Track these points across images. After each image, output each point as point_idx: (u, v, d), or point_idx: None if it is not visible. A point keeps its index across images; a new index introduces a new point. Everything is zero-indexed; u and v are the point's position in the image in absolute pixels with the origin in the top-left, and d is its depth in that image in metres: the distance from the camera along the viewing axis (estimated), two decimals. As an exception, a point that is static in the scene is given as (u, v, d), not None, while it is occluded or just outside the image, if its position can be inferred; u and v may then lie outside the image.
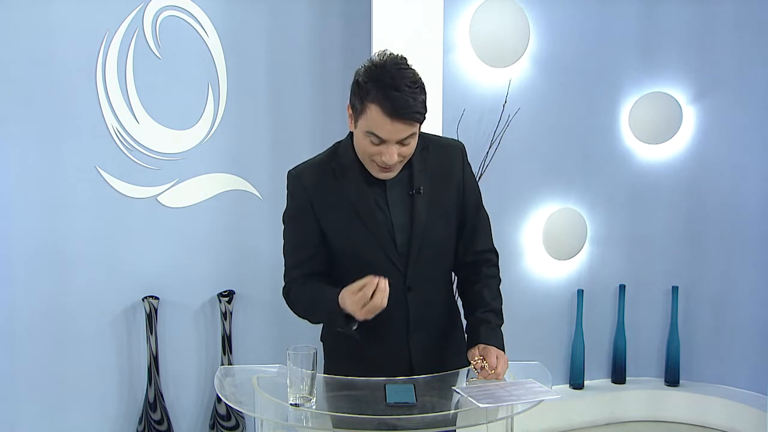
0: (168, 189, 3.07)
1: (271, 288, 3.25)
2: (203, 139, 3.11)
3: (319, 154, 1.96)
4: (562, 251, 3.72)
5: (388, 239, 1.87)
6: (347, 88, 1.98)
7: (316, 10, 3.19)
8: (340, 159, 1.89)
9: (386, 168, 1.81)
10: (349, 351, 1.94)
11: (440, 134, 3.04)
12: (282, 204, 1.96)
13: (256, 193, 3.20)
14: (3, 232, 2.87)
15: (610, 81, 3.74)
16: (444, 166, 1.94)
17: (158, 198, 3.06)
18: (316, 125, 3.21)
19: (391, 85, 1.71)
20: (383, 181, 1.87)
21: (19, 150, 2.86)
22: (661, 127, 3.73)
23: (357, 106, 1.78)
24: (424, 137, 1.93)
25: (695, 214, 3.80)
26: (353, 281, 1.80)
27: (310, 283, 1.93)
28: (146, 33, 2.98)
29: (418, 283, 1.91)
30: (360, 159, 1.85)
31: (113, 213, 3.00)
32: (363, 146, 1.80)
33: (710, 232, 3.79)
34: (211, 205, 3.15)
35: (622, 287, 3.82)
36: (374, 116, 1.73)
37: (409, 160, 1.87)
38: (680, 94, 3.74)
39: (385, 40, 2.99)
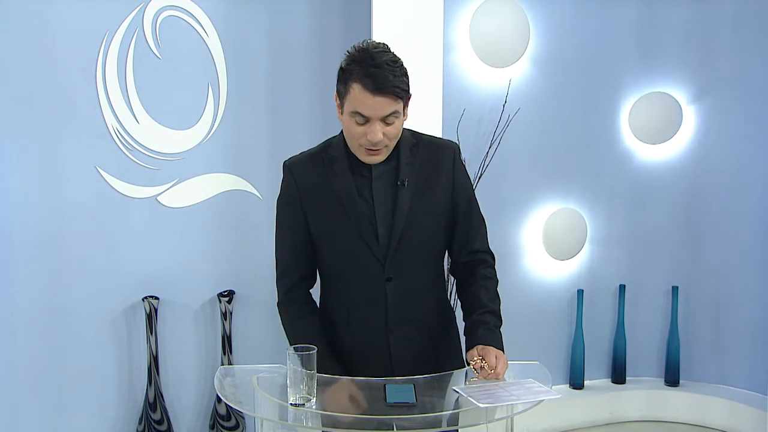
0: (168, 189, 3.07)
1: (271, 288, 3.21)
2: (203, 139, 3.11)
3: (314, 147, 2.01)
4: (562, 251, 3.72)
5: (368, 229, 1.89)
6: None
7: (316, 10, 3.19)
8: (331, 151, 1.94)
9: (373, 150, 1.83)
10: (330, 349, 1.94)
11: (440, 134, 3.05)
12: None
13: (256, 193, 3.20)
14: (3, 231, 2.87)
15: (610, 81, 3.74)
16: (433, 164, 1.96)
17: (158, 198, 3.06)
18: (316, 125, 3.21)
19: (371, 64, 1.77)
20: (369, 173, 1.90)
21: (19, 150, 2.86)
22: (661, 127, 3.73)
23: (342, 91, 1.83)
24: (416, 135, 1.98)
25: (695, 214, 3.80)
26: (333, 270, 1.96)
27: (308, 316, 2.00)
28: (146, 33, 2.98)
29: (398, 275, 1.91)
30: (349, 147, 1.88)
31: (113, 213, 3.00)
32: (349, 129, 1.84)
33: (710, 232, 3.79)
34: (211, 205, 3.14)
35: (622, 287, 3.82)
36: (357, 94, 1.78)
37: (398, 154, 1.90)
38: (680, 94, 3.74)
39: (385, 41, 2.98)
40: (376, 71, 1.76)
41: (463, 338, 2.01)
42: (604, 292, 3.84)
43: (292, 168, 1.97)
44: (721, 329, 3.80)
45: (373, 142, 1.80)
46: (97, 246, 2.99)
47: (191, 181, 3.10)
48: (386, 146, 1.85)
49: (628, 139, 3.79)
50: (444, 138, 2.09)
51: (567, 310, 3.80)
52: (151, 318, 3.03)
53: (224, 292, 3.16)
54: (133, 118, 2.99)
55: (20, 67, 2.83)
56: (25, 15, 2.81)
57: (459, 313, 2.10)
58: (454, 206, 1.97)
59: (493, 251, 2.07)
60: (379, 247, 1.90)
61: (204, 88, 3.09)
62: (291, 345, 1.91)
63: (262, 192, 3.20)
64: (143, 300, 3.04)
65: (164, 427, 3.08)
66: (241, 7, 3.10)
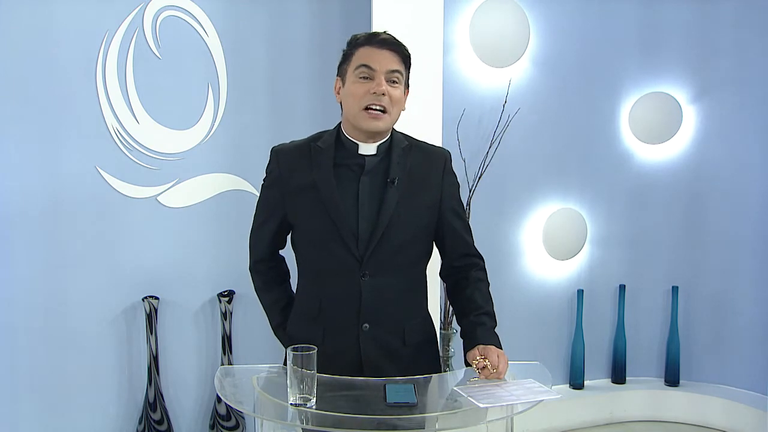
0: (168, 189, 3.07)
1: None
2: (203, 139, 3.11)
3: (305, 138, 2.05)
4: (562, 251, 3.72)
5: (348, 224, 1.89)
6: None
7: (316, 10, 3.19)
8: (320, 142, 1.98)
9: (376, 109, 1.86)
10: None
11: (440, 134, 3.05)
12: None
13: (256, 194, 3.19)
14: (3, 232, 2.87)
15: (610, 81, 3.74)
16: (423, 168, 1.97)
17: (158, 198, 3.06)
18: (315, 125, 3.16)
19: (376, 33, 1.93)
20: (358, 167, 1.92)
21: (19, 150, 2.86)
22: (661, 127, 3.74)
23: (344, 65, 1.92)
24: (409, 138, 2.01)
25: (695, 214, 3.80)
26: (308, 260, 1.98)
27: (275, 287, 2.15)
28: (146, 33, 2.98)
29: (375, 273, 1.90)
30: (352, 118, 1.90)
31: (113, 213, 2.99)
32: (354, 91, 1.88)
33: (710, 232, 3.79)
34: (211, 205, 3.14)
35: (622, 287, 3.82)
36: (362, 52, 1.88)
37: (390, 152, 1.93)
38: (680, 94, 3.74)
39: (385, 40, 2.99)
40: (381, 34, 1.91)
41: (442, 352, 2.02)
42: (604, 292, 3.84)
43: (279, 153, 2.03)
44: (721, 329, 3.80)
45: (379, 92, 1.84)
46: (97, 246, 2.99)
47: (191, 181, 3.10)
48: (387, 113, 1.88)
49: (628, 139, 3.79)
50: (437, 145, 2.12)
51: (567, 310, 3.80)
52: (151, 318, 3.03)
53: (224, 292, 3.16)
54: (133, 118, 2.99)
55: (20, 67, 2.83)
56: (25, 15, 2.81)
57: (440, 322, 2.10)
58: (443, 211, 1.99)
59: (482, 254, 2.10)
60: (358, 243, 1.89)
61: (204, 88, 3.09)
62: (264, 308, 2.10)
63: (262, 192, 3.20)
64: (143, 300, 3.04)
65: (164, 427, 3.08)
66: (241, 7, 3.10)
